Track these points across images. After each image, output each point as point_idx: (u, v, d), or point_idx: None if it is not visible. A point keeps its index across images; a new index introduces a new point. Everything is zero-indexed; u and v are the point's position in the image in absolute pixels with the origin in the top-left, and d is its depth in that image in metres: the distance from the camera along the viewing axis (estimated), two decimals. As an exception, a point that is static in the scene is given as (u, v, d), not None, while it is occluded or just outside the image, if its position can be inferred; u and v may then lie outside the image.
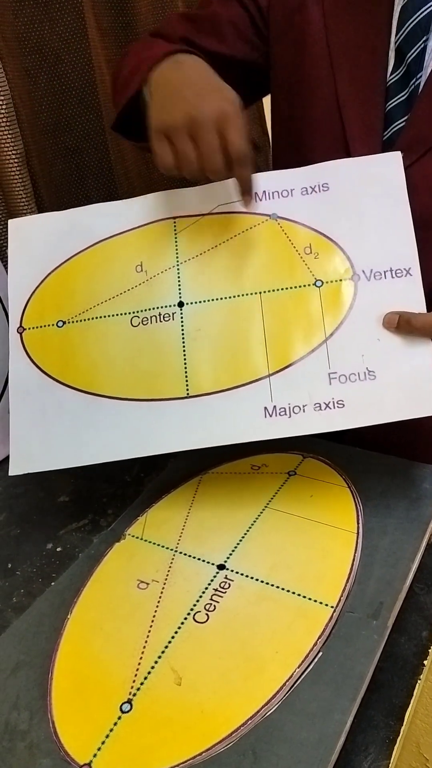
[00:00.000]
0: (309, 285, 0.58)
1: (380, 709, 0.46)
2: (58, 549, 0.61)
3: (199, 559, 0.55)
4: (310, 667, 0.45)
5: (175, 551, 0.56)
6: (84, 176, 0.93)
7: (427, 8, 0.57)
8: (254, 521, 0.58)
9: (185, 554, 0.55)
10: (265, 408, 0.56)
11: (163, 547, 0.57)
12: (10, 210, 0.80)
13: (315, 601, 0.49)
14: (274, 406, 0.56)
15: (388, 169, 0.59)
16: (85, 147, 0.91)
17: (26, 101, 0.82)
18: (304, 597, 0.50)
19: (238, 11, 0.67)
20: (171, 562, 0.55)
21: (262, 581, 0.52)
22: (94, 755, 0.41)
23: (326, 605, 0.49)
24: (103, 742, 0.41)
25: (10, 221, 0.65)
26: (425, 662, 0.49)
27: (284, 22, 0.66)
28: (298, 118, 0.68)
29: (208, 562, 0.54)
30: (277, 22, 0.67)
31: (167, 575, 0.53)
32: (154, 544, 0.57)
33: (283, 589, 0.51)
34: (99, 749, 0.41)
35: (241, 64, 0.68)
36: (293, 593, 0.50)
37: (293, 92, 0.68)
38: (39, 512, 0.66)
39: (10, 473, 0.59)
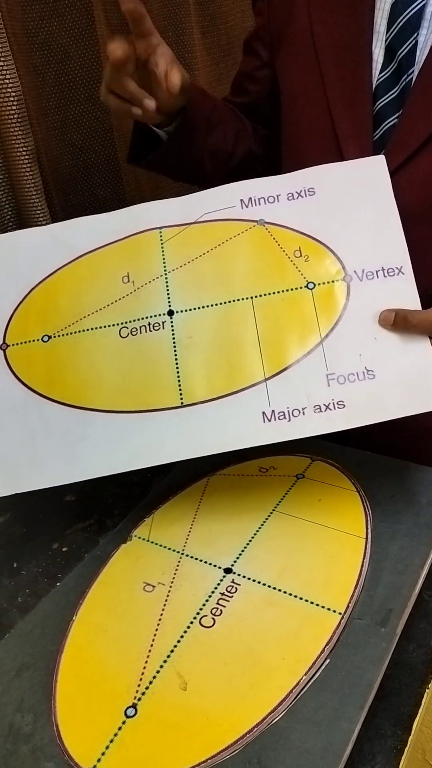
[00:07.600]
0: (301, 287, 0.57)
1: (388, 718, 0.45)
2: (64, 549, 0.61)
3: (205, 562, 0.54)
4: (317, 674, 0.44)
5: (182, 554, 0.55)
6: (91, 174, 0.92)
7: (418, 4, 0.58)
8: (262, 525, 0.58)
9: (192, 557, 0.55)
10: (263, 413, 0.55)
11: (169, 549, 0.56)
12: (20, 207, 0.79)
13: (323, 607, 0.49)
14: (273, 411, 0.55)
15: (372, 172, 0.58)
16: (92, 144, 0.91)
17: (34, 98, 0.81)
18: (312, 603, 0.49)
19: (250, 60, 0.75)
20: (177, 565, 0.54)
21: (269, 586, 0.51)
22: (98, 760, 0.40)
23: (334, 612, 0.48)
24: (107, 747, 0.41)
25: None
26: (434, 670, 0.48)
27: (279, 34, 0.69)
28: (293, 120, 0.71)
29: (214, 566, 0.54)
30: (273, 37, 0.70)
31: (173, 578, 0.53)
32: (161, 546, 0.57)
33: (290, 594, 0.50)
34: (103, 754, 0.41)
35: (266, 104, 0.76)
36: (301, 599, 0.50)
37: (289, 96, 0.70)
38: (45, 511, 0.66)
39: None
